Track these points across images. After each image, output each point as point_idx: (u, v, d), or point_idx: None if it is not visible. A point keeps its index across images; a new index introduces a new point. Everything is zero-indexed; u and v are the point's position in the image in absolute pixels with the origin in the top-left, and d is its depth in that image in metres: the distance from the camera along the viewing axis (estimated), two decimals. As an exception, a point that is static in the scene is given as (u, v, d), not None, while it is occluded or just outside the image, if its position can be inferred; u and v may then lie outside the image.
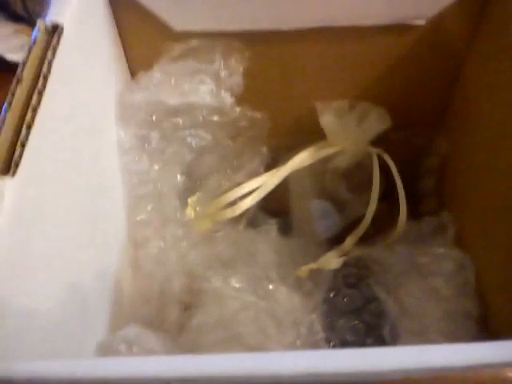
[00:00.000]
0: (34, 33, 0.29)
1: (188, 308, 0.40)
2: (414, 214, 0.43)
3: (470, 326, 0.37)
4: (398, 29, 0.38)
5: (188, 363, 0.19)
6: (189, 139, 0.39)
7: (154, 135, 0.38)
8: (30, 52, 0.28)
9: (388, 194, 0.43)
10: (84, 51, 0.33)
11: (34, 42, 0.28)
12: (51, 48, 0.28)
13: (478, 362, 0.19)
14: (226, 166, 0.43)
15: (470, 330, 0.36)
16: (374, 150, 0.43)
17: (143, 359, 0.21)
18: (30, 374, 0.20)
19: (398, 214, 0.42)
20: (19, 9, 0.64)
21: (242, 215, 0.43)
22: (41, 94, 0.26)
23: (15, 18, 0.65)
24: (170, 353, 0.34)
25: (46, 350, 0.28)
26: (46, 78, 0.27)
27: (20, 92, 0.26)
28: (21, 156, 0.25)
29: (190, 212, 0.40)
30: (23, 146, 0.25)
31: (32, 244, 0.26)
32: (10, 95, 0.26)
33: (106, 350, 0.32)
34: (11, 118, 0.26)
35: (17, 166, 0.24)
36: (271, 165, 0.44)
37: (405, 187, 0.42)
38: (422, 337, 0.35)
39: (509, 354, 0.18)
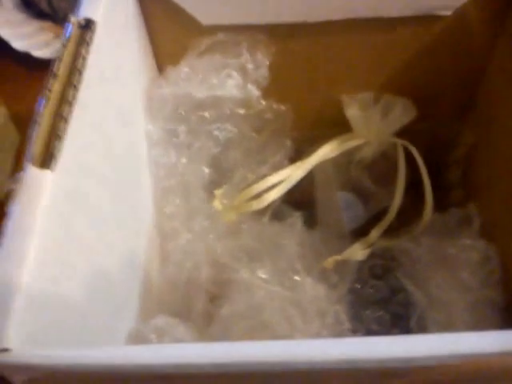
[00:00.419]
0: (68, 29, 0.29)
1: (214, 298, 0.41)
2: (440, 205, 0.43)
3: (495, 317, 0.37)
4: (424, 20, 0.38)
5: (221, 350, 0.20)
6: (215, 132, 0.40)
7: (182, 129, 0.39)
8: (65, 48, 0.28)
9: (413, 186, 0.43)
10: (115, 47, 0.33)
11: (69, 38, 0.29)
12: (85, 43, 0.28)
13: (506, 349, 0.19)
14: (251, 159, 0.43)
15: (496, 320, 0.36)
16: (400, 142, 0.43)
17: (179, 346, 0.21)
18: (70, 361, 0.20)
19: (424, 205, 0.42)
20: (44, 6, 0.65)
21: (267, 208, 0.43)
22: (76, 88, 0.27)
23: (40, 15, 0.66)
24: (200, 342, 0.35)
25: (79, 338, 0.29)
26: (80, 73, 0.28)
27: (56, 87, 0.27)
28: (58, 149, 0.25)
29: (217, 204, 0.40)
30: (60, 139, 0.26)
31: (68, 236, 0.27)
32: (46, 90, 0.27)
33: (136, 338, 0.33)
34: (48, 112, 0.26)
35: (54, 159, 0.25)
36: (295, 157, 0.45)
37: (430, 178, 0.42)
38: (449, 327, 0.35)
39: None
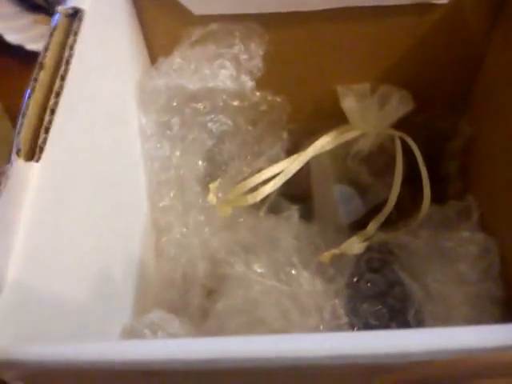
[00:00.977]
0: (55, 18, 0.29)
1: (211, 293, 0.40)
2: (438, 197, 0.42)
3: (494, 310, 0.36)
4: (421, 8, 0.38)
5: (213, 345, 0.19)
6: (209, 125, 0.39)
7: (175, 121, 0.38)
8: (51, 37, 0.28)
9: (411, 178, 0.43)
10: (104, 36, 0.33)
11: (56, 27, 0.28)
12: (73, 32, 0.28)
13: (502, 344, 0.19)
14: (247, 151, 0.42)
15: (495, 314, 0.36)
16: (397, 133, 0.42)
17: (167, 341, 0.21)
18: (60, 356, 0.20)
19: (422, 198, 0.41)
20: (39, -1, 0.64)
21: (263, 201, 0.43)
22: (63, 79, 0.27)
23: (34, 8, 0.65)
24: (195, 337, 0.34)
25: (71, 334, 0.28)
26: (68, 63, 0.27)
27: (43, 77, 0.26)
28: (45, 141, 0.25)
29: (211, 198, 0.40)
30: (47, 131, 0.25)
31: (57, 229, 0.27)
32: (32, 81, 0.26)
33: (130, 334, 0.33)
34: (35, 103, 0.26)
35: (41, 151, 0.25)
36: (292, 150, 0.44)
37: (428, 171, 0.41)
38: (447, 321, 0.35)
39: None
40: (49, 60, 0.27)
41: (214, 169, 0.41)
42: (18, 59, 0.59)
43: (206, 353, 0.19)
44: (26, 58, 0.58)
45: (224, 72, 0.37)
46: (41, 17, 0.65)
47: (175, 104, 0.38)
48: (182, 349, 0.19)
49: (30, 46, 0.59)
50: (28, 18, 0.64)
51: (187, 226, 0.39)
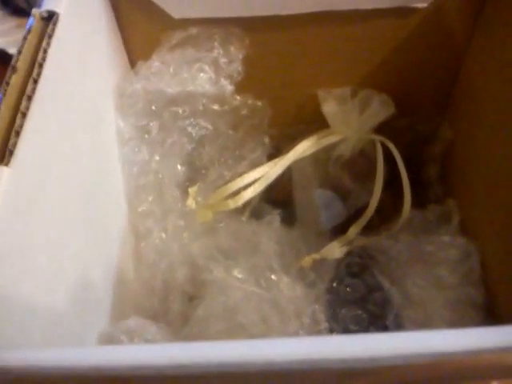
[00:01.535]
0: (30, 21, 0.28)
1: (192, 299, 0.40)
2: (419, 202, 0.42)
3: (475, 315, 0.36)
4: (400, 12, 0.38)
5: (184, 350, 0.19)
6: (189, 129, 0.39)
7: (154, 125, 0.38)
8: (25, 40, 0.27)
9: (392, 182, 0.43)
10: (81, 40, 0.32)
11: (29, 31, 0.28)
12: (46, 36, 0.28)
13: (479, 347, 0.18)
14: (228, 155, 0.42)
15: (476, 318, 0.36)
16: (378, 138, 0.42)
17: (138, 347, 0.20)
18: (29, 362, 0.20)
19: (402, 202, 0.41)
20: (21, 2, 0.64)
21: (244, 206, 0.43)
22: (36, 82, 0.26)
23: (17, 12, 0.65)
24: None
25: (45, 342, 0.28)
26: (41, 66, 0.27)
27: (15, 81, 0.26)
28: (15, 145, 0.24)
29: (191, 202, 0.39)
30: (18, 134, 0.25)
31: (29, 234, 0.26)
32: (4, 84, 0.26)
33: (106, 340, 0.32)
34: (6, 106, 0.25)
35: (11, 154, 0.24)
36: (273, 154, 0.44)
37: (409, 175, 0.41)
38: (427, 326, 0.35)
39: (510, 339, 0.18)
40: (21, 63, 0.27)
41: (194, 173, 0.41)
42: (0, 64, 0.58)
43: (176, 358, 0.18)
44: (8, 62, 0.57)
45: (203, 76, 0.37)
46: (24, 21, 0.64)
47: (154, 108, 0.37)
48: (154, 354, 0.19)
49: (13, 50, 0.59)
50: (11, 23, 0.64)
51: (166, 231, 0.39)
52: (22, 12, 0.65)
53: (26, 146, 0.25)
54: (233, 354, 0.18)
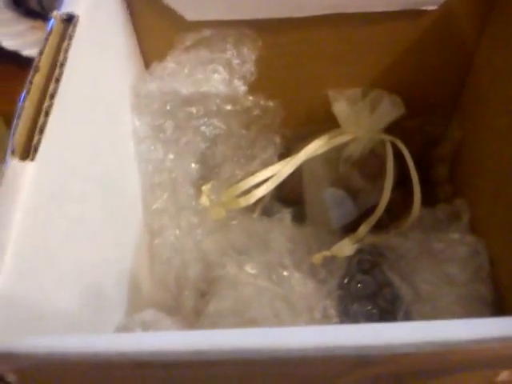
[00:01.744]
0: (50, 23, 0.29)
1: (204, 295, 0.41)
2: (429, 201, 0.43)
3: (484, 311, 0.37)
4: (410, 14, 0.38)
5: (200, 337, 0.20)
6: (203, 128, 0.40)
7: (169, 124, 0.39)
8: (46, 41, 0.28)
9: (402, 182, 0.43)
10: (99, 42, 0.33)
11: (51, 32, 0.29)
12: (67, 37, 0.28)
13: (488, 336, 0.19)
14: (240, 154, 0.43)
15: (485, 314, 0.36)
16: (388, 138, 0.43)
17: (157, 333, 0.21)
18: (54, 349, 0.20)
19: (412, 201, 0.42)
20: (34, 5, 0.65)
21: (256, 204, 0.43)
22: (58, 81, 0.27)
23: (31, 14, 0.66)
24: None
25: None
26: (62, 66, 0.27)
27: (38, 80, 0.27)
28: (39, 142, 0.25)
29: (204, 200, 0.40)
30: (41, 132, 0.26)
31: (51, 230, 0.27)
32: (28, 83, 0.27)
33: (122, 332, 0.33)
34: (30, 105, 0.26)
35: (35, 151, 0.25)
36: (284, 154, 0.45)
37: (419, 174, 0.42)
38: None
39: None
40: (44, 63, 0.28)
41: (207, 171, 0.42)
42: (14, 65, 0.59)
43: (194, 344, 0.19)
44: (22, 64, 0.58)
45: (217, 76, 0.38)
46: (38, 23, 0.65)
47: (169, 108, 0.38)
48: (172, 340, 0.20)
49: (27, 52, 0.60)
50: (25, 24, 0.65)
51: (180, 228, 0.39)
52: (35, 14, 0.65)
53: (50, 144, 0.26)
54: (248, 341, 0.19)
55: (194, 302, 0.40)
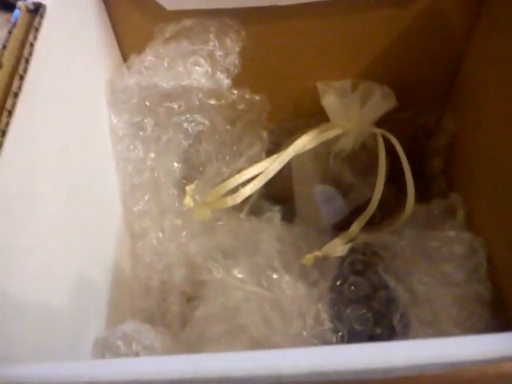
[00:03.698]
0: (15, 14, 0.27)
1: (190, 300, 0.39)
2: (423, 196, 0.41)
3: (483, 312, 0.35)
4: (400, 2, 0.36)
5: (186, 363, 0.18)
6: (185, 125, 0.38)
7: (149, 121, 0.37)
8: (10, 34, 0.26)
9: (394, 177, 0.42)
10: (70, 33, 0.31)
11: (15, 24, 0.26)
12: (33, 29, 0.26)
13: (496, 355, 0.17)
14: (225, 152, 0.41)
15: (484, 316, 0.35)
16: (379, 131, 0.41)
17: (138, 360, 0.19)
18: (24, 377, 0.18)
19: (405, 196, 0.40)
20: (10, -3, 0.63)
21: (243, 203, 0.41)
22: (22, 78, 0.25)
23: (6, 7, 0.64)
24: (172, 348, 0.33)
25: (41, 346, 0.27)
26: (27, 62, 0.25)
27: (0, 77, 0.25)
28: (1, 144, 0.23)
29: (188, 201, 0.38)
30: (4, 134, 0.23)
31: (19, 233, 0.25)
32: (-11, 81, 0.25)
33: (103, 346, 0.31)
34: (-9, 104, 0.24)
35: (-3, 154, 0.23)
36: (272, 149, 0.43)
37: (412, 169, 0.40)
38: (434, 325, 0.34)
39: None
40: (7, 59, 0.25)
41: (191, 170, 0.40)
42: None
43: (168, 373, 0.17)
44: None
45: (199, 69, 0.36)
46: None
47: (148, 103, 0.36)
48: (155, 368, 0.18)
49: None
50: (1, 18, 0.63)
51: (163, 231, 0.38)
52: (12, 7, 0.63)
53: (13, 145, 0.24)
54: (238, 366, 0.17)
55: (179, 307, 0.39)
